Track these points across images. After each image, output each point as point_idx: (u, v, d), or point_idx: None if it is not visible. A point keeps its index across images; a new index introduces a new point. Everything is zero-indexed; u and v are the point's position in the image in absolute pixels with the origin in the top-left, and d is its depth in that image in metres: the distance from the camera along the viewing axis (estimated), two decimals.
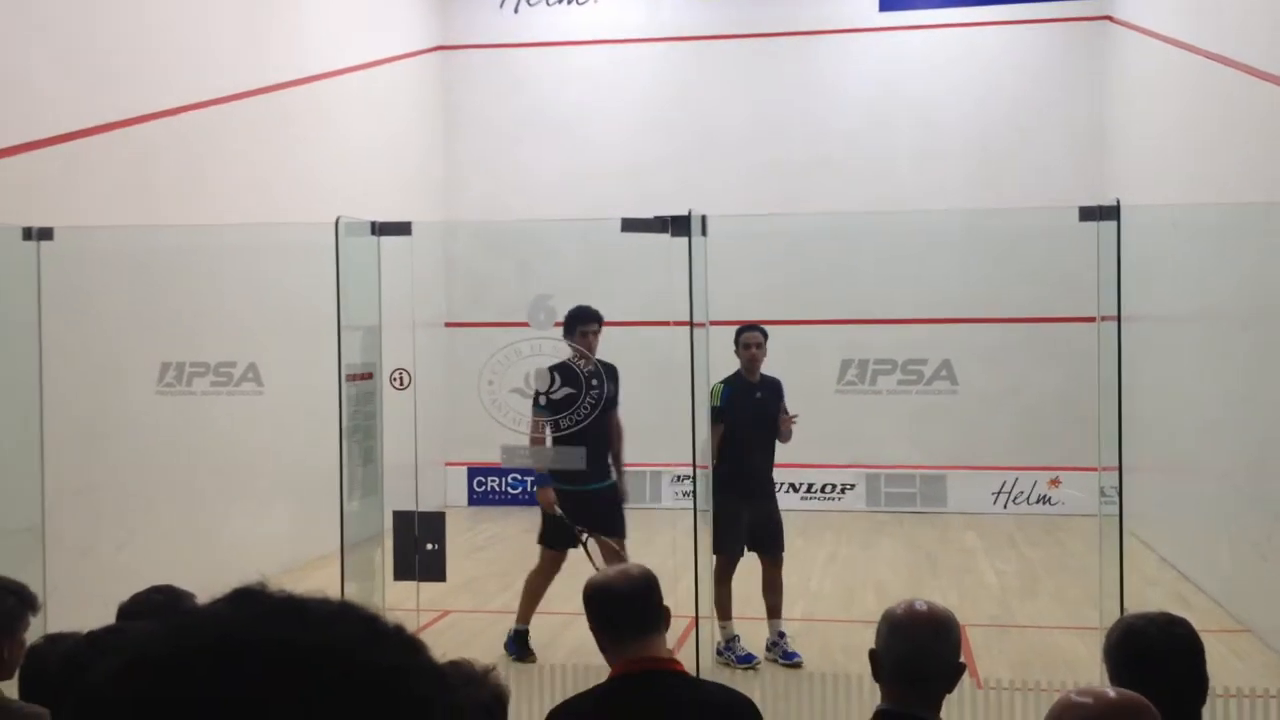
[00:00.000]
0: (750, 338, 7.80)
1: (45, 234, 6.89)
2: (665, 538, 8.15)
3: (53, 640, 3.45)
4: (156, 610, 3.55)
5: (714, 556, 7.01)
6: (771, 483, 7.88)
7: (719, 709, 3.19)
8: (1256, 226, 8.13)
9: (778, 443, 7.81)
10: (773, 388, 7.91)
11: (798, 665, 7.36)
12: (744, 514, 7.47)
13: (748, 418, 7.62)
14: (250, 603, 0.87)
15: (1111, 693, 2.46)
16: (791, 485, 13.28)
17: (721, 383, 7.59)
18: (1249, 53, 8.56)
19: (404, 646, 0.87)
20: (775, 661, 7.45)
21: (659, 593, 3.35)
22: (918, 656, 2.97)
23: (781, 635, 7.57)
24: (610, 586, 3.31)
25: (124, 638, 0.92)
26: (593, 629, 3.31)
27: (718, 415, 7.37)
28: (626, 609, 3.25)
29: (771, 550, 7.67)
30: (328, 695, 0.81)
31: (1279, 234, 7.78)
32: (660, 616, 3.29)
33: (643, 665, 3.16)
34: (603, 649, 3.31)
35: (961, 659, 3.06)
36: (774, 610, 7.59)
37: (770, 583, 7.62)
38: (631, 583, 3.30)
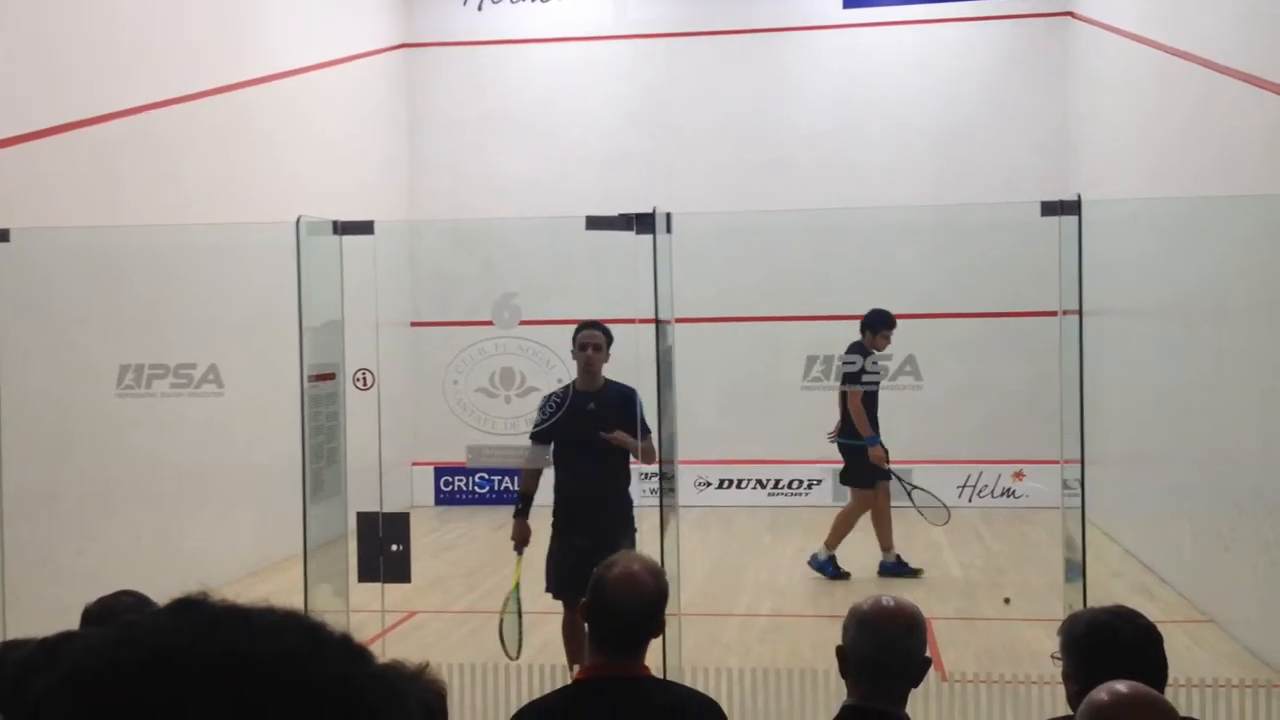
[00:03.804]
0: (587, 337, 6.63)
1: (1, 236, 6.79)
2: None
3: (10, 647, 3.39)
4: (124, 614, 3.50)
5: (559, 602, 6.51)
6: (622, 516, 6.62)
7: (685, 712, 3.17)
8: (1217, 220, 8.20)
9: (639, 463, 6.61)
10: (616, 400, 6.60)
11: None
12: (579, 557, 5.73)
13: (573, 435, 6.49)
14: (192, 612, 0.85)
15: (1130, 688, 2.51)
16: (759, 481, 13.30)
17: (546, 395, 6.58)
18: (1209, 48, 8.64)
19: (350, 655, 0.85)
20: None
21: (664, 606, 3.18)
22: (885, 653, 2.97)
23: None
24: (618, 600, 3.08)
25: (72, 646, 0.89)
26: (587, 622, 3.16)
27: (537, 432, 6.57)
28: (628, 627, 3.09)
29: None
30: (274, 706, 0.79)
31: (1240, 228, 7.85)
32: (655, 632, 3.17)
33: (610, 670, 3.12)
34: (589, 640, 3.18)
35: (928, 654, 3.07)
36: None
37: (575, 630, 6.34)
38: (643, 600, 3.10)
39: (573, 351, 6.62)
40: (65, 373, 8.07)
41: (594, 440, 6.49)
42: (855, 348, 8.94)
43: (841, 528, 9.68)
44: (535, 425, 6.51)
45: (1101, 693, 2.53)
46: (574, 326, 6.71)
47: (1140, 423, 10.17)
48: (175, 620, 0.84)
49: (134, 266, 8.92)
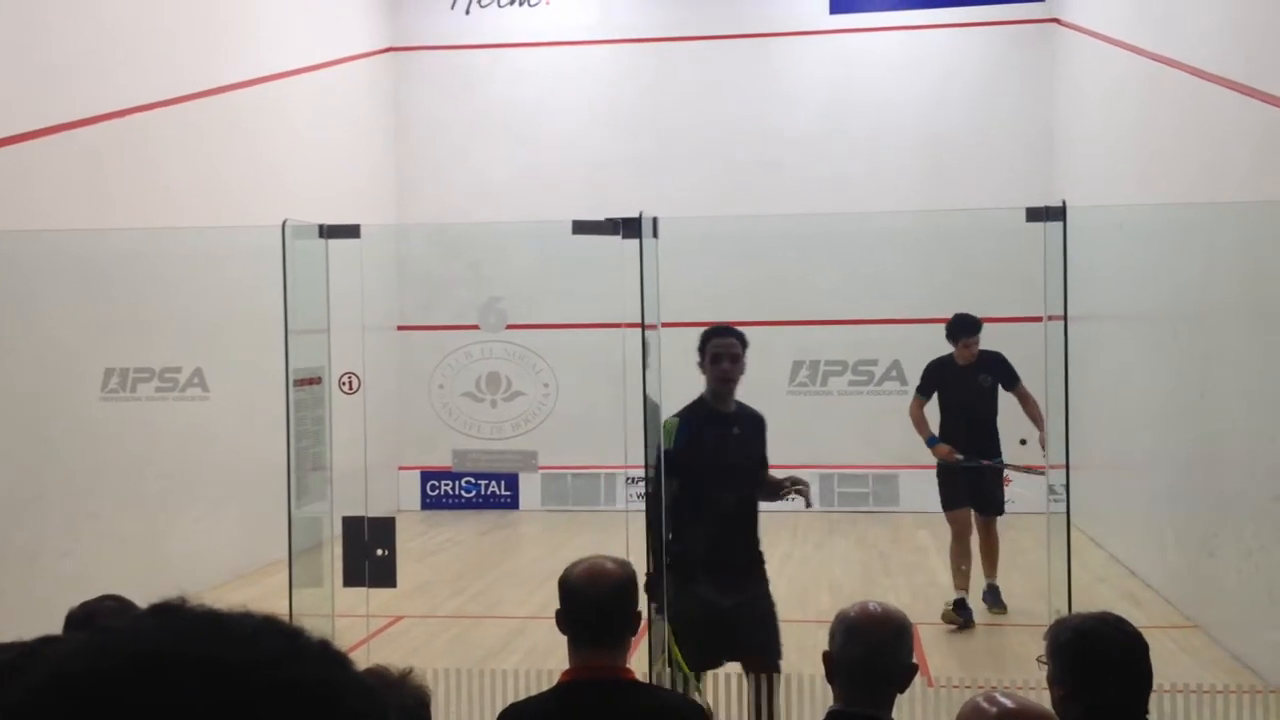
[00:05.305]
0: (722, 346, 5.35)
1: None
2: (619, 539, 8.11)
3: None
4: (106, 619, 3.48)
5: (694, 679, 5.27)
6: (758, 564, 5.48)
7: (668, 715, 3.16)
8: (1202, 227, 8.23)
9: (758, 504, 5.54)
10: (752, 424, 5.52)
11: None
12: (719, 617, 5.27)
13: (717, 466, 5.33)
14: (169, 618, 0.85)
15: (1013, 703, 2.48)
16: None
17: (677, 416, 5.43)
18: (1196, 55, 8.67)
19: (329, 661, 0.85)
20: None
21: (634, 597, 3.18)
22: (871, 659, 2.97)
23: None
24: (584, 590, 3.10)
25: (52, 650, 0.89)
26: (560, 621, 3.18)
27: (670, 463, 5.39)
28: (599, 616, 3.09)
29: (765, 664, 5.44)
30: (252, 711, 0.79)
31: (1225, 235, 7.88)
32: (630, 624, 3.15)
33: (592, 674, 3.12)
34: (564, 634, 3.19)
35: (914, 660, 3.06)
36: None
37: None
38: (610, 586, 3.11)
39: (701, 364, 5.42)
40: (50, 376, 8.04)
41: (739, 475, 5.37)
42: (932, 365, 8.77)
43: (955, 563, 8.88)
44: (669, 450, 5.32)
45: (987, 707, 2.47)
46: (703, 331, 5.53)
47: (1124, 428, 10.20)
48: (153, 625, 0.84)
49: (119, 269, 8.89)
